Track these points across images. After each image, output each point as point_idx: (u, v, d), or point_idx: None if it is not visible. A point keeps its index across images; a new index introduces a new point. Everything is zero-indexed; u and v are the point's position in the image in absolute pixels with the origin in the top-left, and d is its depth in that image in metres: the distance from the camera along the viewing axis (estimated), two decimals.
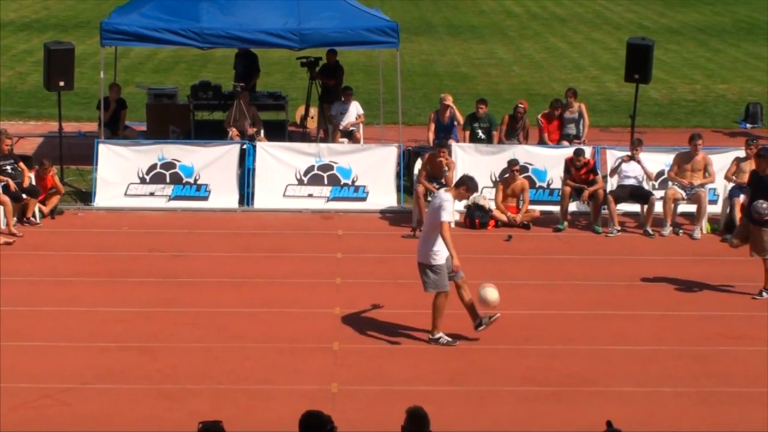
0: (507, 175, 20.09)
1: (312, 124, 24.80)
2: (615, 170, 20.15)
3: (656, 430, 12.38)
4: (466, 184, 14.54)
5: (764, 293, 16.42)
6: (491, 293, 14.38)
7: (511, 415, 12.64)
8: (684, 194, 19.64)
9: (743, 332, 15.18)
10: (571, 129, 22.36)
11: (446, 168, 19.65)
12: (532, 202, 20.20)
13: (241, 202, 20.56)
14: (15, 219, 18.83)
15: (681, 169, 19.75)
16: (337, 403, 12.70)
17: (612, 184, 20.22)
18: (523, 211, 19.71)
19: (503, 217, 19.57)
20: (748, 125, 27.42)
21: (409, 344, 14.49)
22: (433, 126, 21.81)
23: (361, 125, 23.14)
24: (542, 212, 20.13)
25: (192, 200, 20.53)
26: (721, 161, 20.15)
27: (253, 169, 20.63)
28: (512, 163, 19.90)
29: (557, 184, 20.42)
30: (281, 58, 32.39)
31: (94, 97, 26.45)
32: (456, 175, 19.99)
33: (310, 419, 8.47)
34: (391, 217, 20.21)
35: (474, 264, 15.94)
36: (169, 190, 20.53)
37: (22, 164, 19.51)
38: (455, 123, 21.86)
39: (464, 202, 18.82)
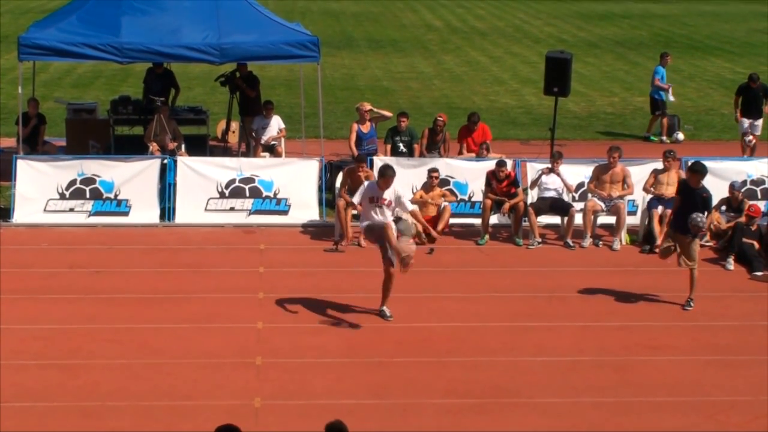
0: (426, 182, 20.09)
1: (233, 139, 24.71)
2: (535, 183, 20.31)
3: None
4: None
5: (692, 303, 16.60)
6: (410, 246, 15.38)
7: (434, 427, 12.68)
8: (603, 206, 19.84)
9: (663, 342, 15.36)
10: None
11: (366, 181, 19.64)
12: (454, 215, 20.24)
13: (162, 217, 20.42)
14: None
15: (600, 181, 19.96)
16: (260, 418, 12.65)
17: (532, 196, 20.37)
18: (441, 225, 19.53)
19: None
20: (665, 138, 27.75)
21: (331, 358, 14.49)
22: (354, 136, 21.77)
23: (282, 139, 23.10)
24: (463, 225, 20.23)
25: (112, 216, 20.35)
26: (639, 173, 20.37)
27: (174, 184, 20.52)
28: (432, 170, 19.95)
29: (478, 197, 20.51)
30: (202, 73, 32.30)
31: (12, 112, 26.18)
32: None
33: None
34: (313, 231, 20.19)
35: (396, 277, 15.90)
36: (89, 205, 20.34)
37: None
38: (374, 131, 21.92)
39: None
